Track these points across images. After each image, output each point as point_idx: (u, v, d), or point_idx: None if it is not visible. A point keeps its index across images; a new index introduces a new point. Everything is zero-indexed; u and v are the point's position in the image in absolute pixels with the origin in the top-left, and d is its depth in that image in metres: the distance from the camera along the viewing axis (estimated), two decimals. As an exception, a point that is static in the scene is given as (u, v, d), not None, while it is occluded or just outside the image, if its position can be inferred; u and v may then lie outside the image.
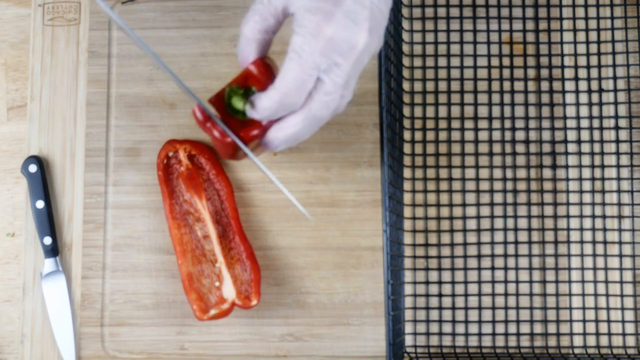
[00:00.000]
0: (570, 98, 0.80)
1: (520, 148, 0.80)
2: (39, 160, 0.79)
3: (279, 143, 0.63)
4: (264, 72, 0.63)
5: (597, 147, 0.80)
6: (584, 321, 0.77)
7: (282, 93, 0.60)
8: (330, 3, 0.58)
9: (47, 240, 0.78)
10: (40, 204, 0.79)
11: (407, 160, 0.80)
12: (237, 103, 0.62)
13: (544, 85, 0.81)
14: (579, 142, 0.80)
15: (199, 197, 0.77)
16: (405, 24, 0.81)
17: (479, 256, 0.78)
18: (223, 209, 0.78)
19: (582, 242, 0.78)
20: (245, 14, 0.81)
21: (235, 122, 0.64)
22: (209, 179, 0.78)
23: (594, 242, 0.78)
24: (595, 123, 0.80)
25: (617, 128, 0.80)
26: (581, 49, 0.81)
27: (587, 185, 0.79)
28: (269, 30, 0.62)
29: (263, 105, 0.61)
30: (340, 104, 0.62)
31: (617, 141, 0.79)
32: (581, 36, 0.81)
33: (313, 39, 0.58)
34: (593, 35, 0.81)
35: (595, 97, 0.80)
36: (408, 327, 0.78)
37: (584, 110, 0.80)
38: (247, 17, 0.62)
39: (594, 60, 0.81)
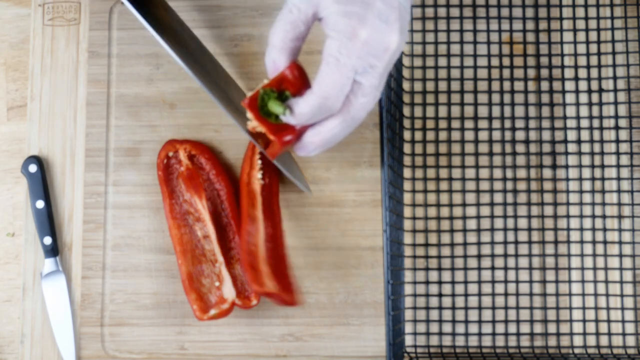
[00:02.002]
0: (570, 98, 0.80)
1: (520, 148, 0.80)
2: (39, 160, 0.79)
3: (315, 148, 0.64)
4: (299, 76, 0.63)
5: (597, 147, 0.80)
6: (584, 321, 0.77)
7: (322, 97, 0.60)
8: (361, 6, 0.58)
9: (47, 240, 0.78)
10: (40, 204, 0.79)
11: (407, 160, 0.80)
12: (274, 107, 0.62)
13: (544, 85, 0.81)
14: (579, 142, 0.80)
15: (199, 197, 0.77)
16: (405, 24, 0.81)
17: (479, 256, 0.78)
18: (223, 209, 0.78)
19: (582, 242, 0.78)
20: (244, 13, 0.82)
21: (269, 125, 0.63)
22: (209, 179, 0.78)
23: (594, 242, 0.78)
24: (595, 123, 0.80)
25: (617, 128, 0.80)
26: (581, 49, 0.81)
27: (587, 185, 0.79)
28: (300, 37, 0.61)
29: (302, 111, 0.61)
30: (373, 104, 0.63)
31: (617, 141, 0.79)
32: (581, 36, 0.81)
33: (350, 43, 0.58)
34: (593, 35, 0.81)
35: (595, 97, 0.80)
36: (408, 327, 0.78)
37: (584, 110, 0.80)
38: (276, 27, 0.61)
39: (594, 60, 0.81)
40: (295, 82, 0.62)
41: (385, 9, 0.59)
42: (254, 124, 0.64)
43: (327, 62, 0.59)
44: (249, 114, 0.64)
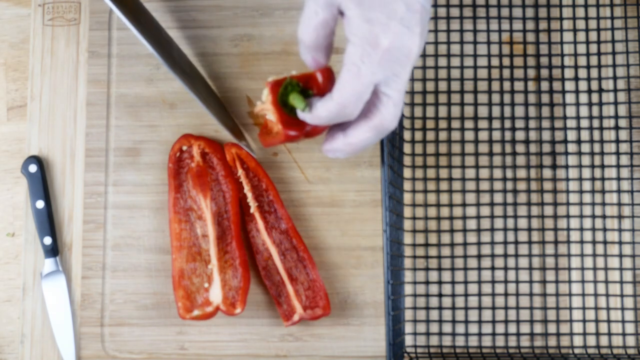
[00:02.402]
0: (570, 98, 0.80)
1: (520, 148, 0.80)
2: (39, 160, 0.79)
3: (345, 154, 0.63)
4: (327, 81, 0.63)
5: (597, 147, 0.80)
6: (584, 321, 0.77)
7: (340, 104, 0.59)
8: (384, 12, 0.57)
9: (47, 240, 0.78)
10: (40, 204, 0.79)
11: (407, 160, 0.80)
12: (296, 100, 0.62)
13: (544, 85, 0.81)
14: (579, 142, 0.80)
15: (204, 195, 0.77)
16: (405, 24, 0.81)
17: (479, 256, 0.78)
18: (226, 211, 0.78)
19: (582, 242, 0.78)
20: (244, 13, 0.82)
21: (281, 114, 0.63)
22: (217, 179, 0.78)
23: (594, 242, 0.78)
24: (595, 123, 0.80)
25: (617, 128, 0.80)
26: (581, 49, 0.81)
27: (587, 185, 0.79)
28: (329, 34, 0.61)
29: (319, 114, 0.61)
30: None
31: (617, 141, 0.79)
32: (581, 36, 0.81)
33: (372, 51, 0.57)
34: (593, 35, 0.81)
35: (595, 97, 0.80)
36: (408, 327, 0.78)
37: (584, 110, 0.80)
38: (306, 28, 0.60)
39: (594, 60, 0.81)
40: (323, 85, 0.63)
41: (408, 14, 0.57)
42: (266, 107, 0.64)
43: (348, 69, 0.58)
44: (266, 96, 0.64)
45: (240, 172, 0.78)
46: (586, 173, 0.79)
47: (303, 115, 0.62)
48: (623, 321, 0.77)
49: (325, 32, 0.60)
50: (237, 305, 0.75)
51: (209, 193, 0.77)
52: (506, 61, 0.81)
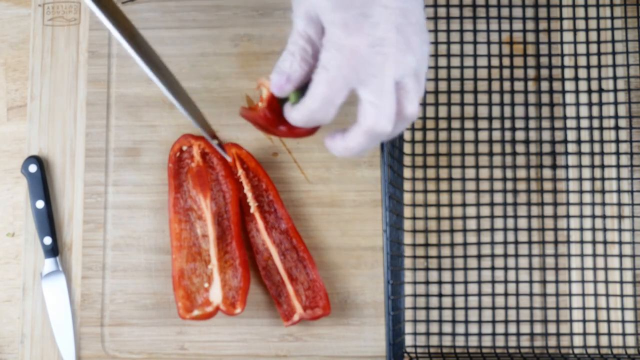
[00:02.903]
0: (570, 98, 0.80)
1: (520, 148, 0.80)
2: (39, 160, 0.79)
3: (341, 155, 0.62)
4: None
5: (597, 147, 0.80)
6: (584, 321, 0.77)
7: (310, 110, 0.58)
8: (357, 15, 0.56)
9: (47, 240, 0.78)
10: (40, 204, 0.79)
11: (407, 160, 0.80)
12: (292, 95, 0.62)
13: (544, 85, 0.81)
14: (579, 142, 0.80)
15: (204, 195, 0.77)
16: (405, 24, 0.81)
17: (479, 256, 0.78)
18: (226, 211, 0.78)
19: (582, 242, 0.78)
20: (244, 13, 0.82)
21: (276, 105, 0.64)
22: (217, 179, 0.78)
23: (594, 242, 0.78)
24: (595, 123, 0.80)
25: (617, 128, 0.80)
26: (581, 49, 0.81)
27: (587, 185, 0.79)
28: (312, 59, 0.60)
29: (294, 117, 0.60)
30: (405, 110, 0.59)
31: (617, 141, 0.79)
32: (581, 36, 0.81)
33: (338, 54, 0.56)
34: (593, 35, 0.81)
35: (595, 97, 0.80)
36: (408, 327, 0.78)
37: (584, 110, 0.80)
38: (282, 63, 0.60)
39: (594, 60, 0.81)
40: None
41: (379, 11, 0.56)
42: (264, 82, 0.64)
43: (317, 73, 0.57)
44: (265, 83, 0.64)
45: (240, 172, 0.78)
46: (586, 173, 0.79)
47: (286, 111, 0.62)
48: (623, 321, 0.77)
49: (307, 54, 0.59)
50: (237, 305, 0.75)
51: (209, 193, 0.77)
52: (506, 61, 0.81)
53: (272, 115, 0.64)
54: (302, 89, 0.62)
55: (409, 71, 0.58)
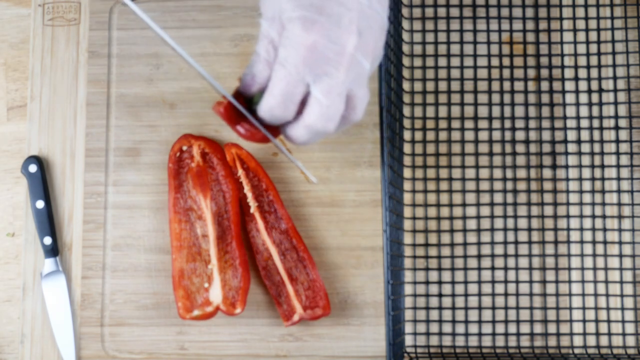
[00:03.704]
0: (570, 98, 0.80)
1: (520, 148, 0.80)
2: (39, 160, 0.79)
3: (295, 144, 0.62)
4: None
5: (597, 147, 0.80)
6: (584, 321, 0.77)
7: (269, 106, 0.58)
8: (313, 11, 0.55)
9: (47, 240, 0.78)
10: (40, 204, 0.79)
11: (407, 160, 0.80)
12: (256, 96, 0.61)
13: (544, 85, 0.81)
14: (579, 142, 0.80)
15: (204, 195, 0.77)
16: (405, 24, 0.81)
17: (479, 256, 0.78)
18: (226, 211, 0.78)
19: (582, 242, 0.78)
20: (244, 13, 0.82)
21: (250, 109, 0.63)
22: (217, 179, 0.78)
23: (594, 242, 0.78)
24: (595, 123, 0.80)
25: (617, 128, 0.80)
26: (581, 49, 0.81)
27: (587, 185, 0.79)
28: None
29: (259, 114, 0.60)
30: (352, 115, 0.59)
31: (617, 141, 0.79)
32: (581, 36, 0.81)
33: (294, 50, 0.56)
34: (593, 35, 0.81)
35: (595, 97, 0.80)
36: (408, 327, 0.78)
37: (584, 110, 0.80)
38: (250, 64, 0.59)
39: (594, 60, 0.81)
40: None
41: (340, 11, 0.56)
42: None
43: (275, 69, 0.57)
44: (240, 107, 0.63)
45: (240, 172, 0.78)
46: (586, 173, 0.79)
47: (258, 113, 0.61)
48: (623, 321, 0.77)
49: (269, 55, 0.58)
50: (237, 305, 0.75)
51: (209, 193, 0.77)
52: (506, 61, 0.81)
53: (230, 113, 0.63)
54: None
55: (362, 77, 0.58)
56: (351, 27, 0.56)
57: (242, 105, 0.63)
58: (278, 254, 0.77)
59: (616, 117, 0.80)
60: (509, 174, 0.80)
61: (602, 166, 0.79)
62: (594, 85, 0.80)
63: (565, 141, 0.80)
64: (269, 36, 0.58)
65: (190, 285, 0.76)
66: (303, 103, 0.59)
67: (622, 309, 0.77)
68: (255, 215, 0.78)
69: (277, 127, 0.63)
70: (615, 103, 0.80)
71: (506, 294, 0.78)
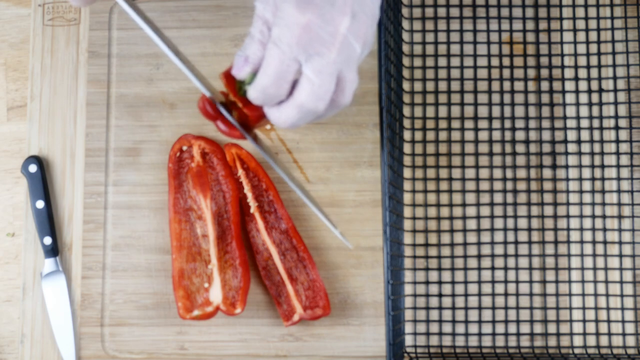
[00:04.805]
0: (570, 98, 0.80)
1: (520, 148, 0.80)
2: (39, 160, 0.79)
3: (281, 127, 0.62)
4: None
5: (597, 147, 0.80)
6: (584, 321, 0.77)
7: (262, 86, 0.59)
8: None
9: (47, 240, 0.78)
10: (40, 204, 0.79)
11: (407, 160, 0.80)
12: (248, 78, 0.61)
13: (544, 85, 0.81)
14: (579, 142, 0.80)
15: (204, 195, 0.77)
16: (405, 24, 0.81)
17: (479, 256, 0.78)
18: (226, 211, 0.78)
19: (582, 242, 0.78)
20: (244, 13, 0.82)
21: (243, 99, 0.63)
22: (217, 179, 0.78)
23: (594, 242, 0.78)
24: (595, 123, 0.80)
25: (617, 128, 0.80)
26: (581, 49, 0.81)
27: (587, 185, 0.79)
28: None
29: (251, 95, 0.60)
30: (341, 97, 0.60)
31: (617, 141, 0.79)
32: (581, 36, 0.81)
33: (288, 30, 0.57)
34: (593, 35, 0.81)
35: (595, 97, 0.80)
36: (408, 327, 0.78)
37: (584, 110, 0.80)
38: (243, 46, 0.60)
39: (594, 60, 0.81)
40: None
41: None
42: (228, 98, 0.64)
43: (268, 48, 0.58)
44: (223, 84, 0.63)
45: (240, 172, 0.78)
46: (586, 173, 0.79)
47: (247, 95, 0.61)
48: (623, 321, 0.77)
49: (263, 36, 0.59)
50: (237, 305, 0.75)
51: (209, 193, 0.77)
52: (506, 61, 0.81)
53: (210, 108, 0.63)
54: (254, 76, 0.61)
55: (353, 60, 0.59)
56: (345, 8, 0.57)
57: (232, 89, 0.63)
58: (278, 254, 0.77)
59: (616, 117, 0.80)
60: (509, 174, 0.80)
61: (602, 166, 0.79)
62: (594, 85, 0.80)
63: (565, 141, 0.80)
64: (263, 17, 0.59)
65: (190, 285, 0.76)
66: (293, 84, 0.59)
67: (622, 309, 0.77)
68: (255, 215, 0.78)
69: (261, 113, 0.63)
70: (615, 103, 0.80)
71: (506, 294, 0.78)
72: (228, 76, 0.63)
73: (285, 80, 0.58)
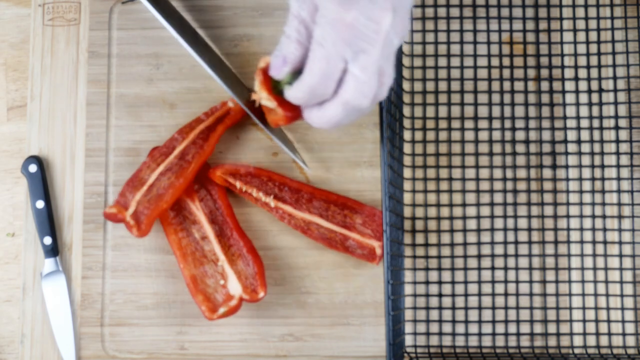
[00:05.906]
0: (570, 98, 0.80)
1: (520, 148, 0.80)
2: (39, 160, 0.79)
3: (321, 127, 0.63)
4: None
5: (597, 147, 0.80)
6: (584, 321, 0.77)
7: (309, 86, 0.60)
8: None
9: (47, 240, 0.78)
10: (40, 204, 0.79)
11: (407, 160, 0.80)
12: (288, 77, 0.62)
13: (544, 85, 0.81)
14: (579, 142, 0.80)
15: (192, 199, 0.77)
16: (405, 24, 0.81)
17: (479, 256, 0.78)
18: (217, 207, 0.78)
19: (582, 242, 0.78)
20: (244, 13, 0.82)
21: (279, 98, 0.65)
22: (199, 179, 0.78)
23: (594, 242, 0.78)
24: (595, 123, 0.80)
25: (617, 128, 0.80)
26: (581, 49, 0.81)
27: (587, 185, 0.79)
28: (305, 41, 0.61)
29: (295, 95, 0.61)
30: (379, 91, 0.60)
31: (617, 141, 0.79)
32: (581, 36, 0.81)
33: (331, 29, 0.57)
34: (593, 35, 0.81)
35: (595, 97, 0.80)
36: (408, 327, 0.78)
37: (584, 110, 0.80)
38: (280, 46, 0.61)
39: (594, 60, 0.81)
40: None
41: None
42: (262, 95, 0.65)
43: (313, 49, 0.58)
44: (258, 83, 0.64)
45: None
46: (586, 173, 0.79)
47: (286, 95, 0.62)
48: (623, 321, 0.77)
49: (301, 35, 0.60)
50: (258, 290, 0.74)
51: (195, 195, 0.77)
52: (506, 61, 0.81)
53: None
54: (297, 72, 0.62)
55: (392, 54, 0.59)
56: (386, 4, 0.57)
57: (268, 88, 0.64)
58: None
59: (616, 117, 0.80)
60: (509, 174, 0.80)
61: (602, 166, 0.79)
62: (594, 85, 0.80)
63: (565, 141, 0.80)
64: (299, 16, 0.59)
65: (207, 288, 0.76)
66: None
67: (622, 309, 0.77)
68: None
69: (296, 113, 0.64)
70: (615, 103, 0.80)
71: (506, 294, 0.78)
72: (264, 75, 0.63)
73: (331, 79, 0.59)
